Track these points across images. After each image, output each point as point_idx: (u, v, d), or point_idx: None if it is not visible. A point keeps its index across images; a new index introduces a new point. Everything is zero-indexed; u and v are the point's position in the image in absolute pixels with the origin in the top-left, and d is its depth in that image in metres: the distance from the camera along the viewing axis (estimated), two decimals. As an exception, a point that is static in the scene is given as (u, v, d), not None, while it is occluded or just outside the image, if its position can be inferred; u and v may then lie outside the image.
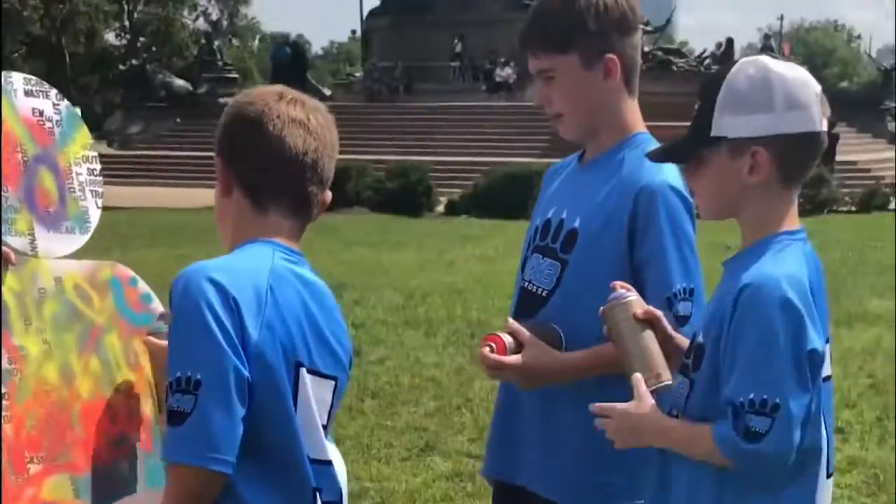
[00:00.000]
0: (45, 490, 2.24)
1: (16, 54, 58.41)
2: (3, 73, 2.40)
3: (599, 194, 2.41)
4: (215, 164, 2.03)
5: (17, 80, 2.43)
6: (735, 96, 1.96)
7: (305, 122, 1.97)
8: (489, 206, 19.92)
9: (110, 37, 61.86)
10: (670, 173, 2.36)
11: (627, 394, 2.06)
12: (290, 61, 34.75)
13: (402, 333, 8.75)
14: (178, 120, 33.55)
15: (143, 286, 2.57)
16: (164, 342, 2.17)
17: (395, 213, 20.04)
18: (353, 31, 49.57)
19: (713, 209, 2.08)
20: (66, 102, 2.52)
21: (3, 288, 2.25)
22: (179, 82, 37.35)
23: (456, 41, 35.61)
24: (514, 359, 2.36)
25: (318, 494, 1.97)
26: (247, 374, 1.80)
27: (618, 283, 2.16)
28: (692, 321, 2.29)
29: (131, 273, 2.56)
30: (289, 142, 1.94)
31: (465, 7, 35.54)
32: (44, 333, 2.31)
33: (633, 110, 2.48)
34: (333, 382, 2.01)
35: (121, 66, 42.49)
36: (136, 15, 61.39)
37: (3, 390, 2.20)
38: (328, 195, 2.04)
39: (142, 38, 61.38)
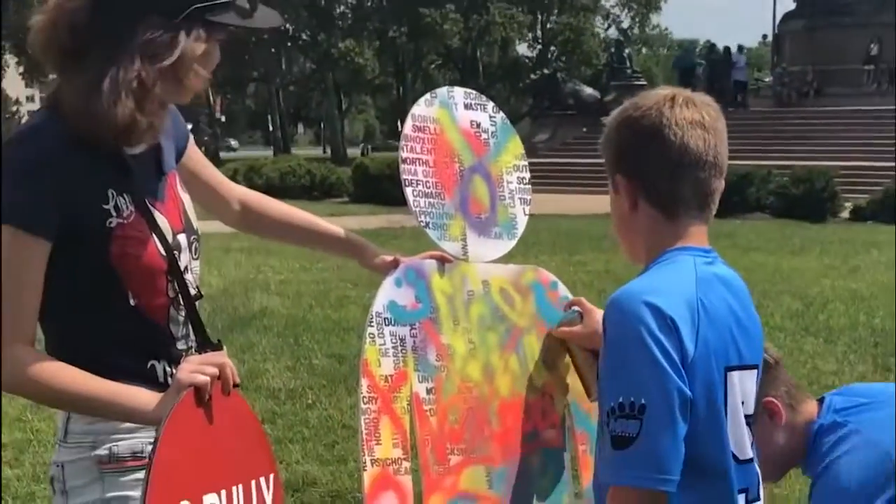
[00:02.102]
0: (463, 480, 2.36)
1: (432, 66, 61.72)
2: (447, 87, 2.56)
3: None
4: (614, 182, 2.00)
5: (458, 94, 2.56)
6: None
7: (702, 120, 1.91)
8: (898, 212, 18.64)
9: (522, 47, 63.80)
10: None
11: None
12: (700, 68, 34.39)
13: (801, 340, 8.43)
14: (585, 128, 34.03)
15: (562, 289, 2.65)
16: (578, 327, 2.41)
17: (798, 219, 19.26)
18: (764, 36, 48.27)
19: None
20: (501, 114, 2.62)
21: (436, 291, 2.41)
22: (588, 90, 37.79)
23: (872, 44, 33.69)
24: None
25: (744, 495, 1.95)
26: (689, 393, 1.78)
27: None
28: None
29: (553, 277, 2.65)
30: (692, 145, 1.89)
31: (885, 8, 33.55)
32: (470, 333, 2.44)
33: None
34: (756, 370, 1.98)
35: (531, 76, 43.64)
36: (548, 25, 62.88)
37: (431, 385, 2.34)
38: (722, 182, 1.99)
39: (553, 48, 62.75)
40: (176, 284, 2.01)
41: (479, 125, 2.57)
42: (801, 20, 37.29)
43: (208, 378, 1.90)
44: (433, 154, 2.46)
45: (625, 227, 2.02)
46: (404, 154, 2.41)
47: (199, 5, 1.90)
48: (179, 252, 2.03)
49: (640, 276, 1.93)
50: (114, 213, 1.92)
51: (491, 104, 2.62)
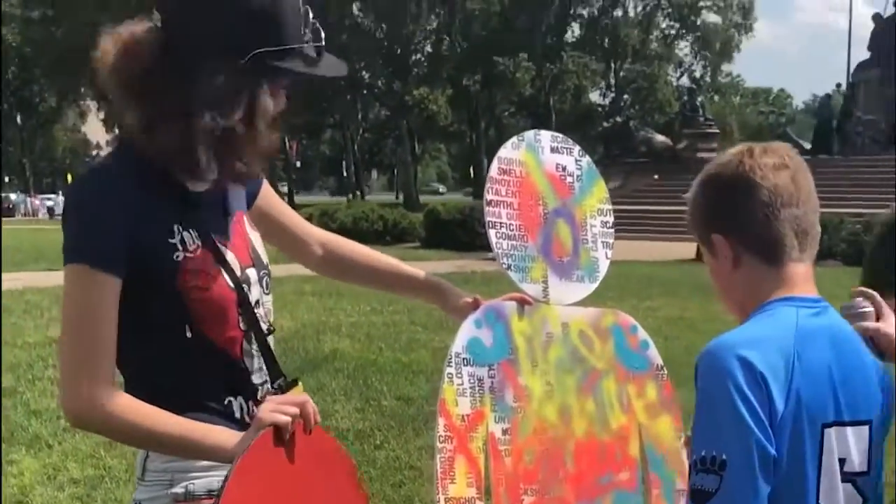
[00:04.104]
0: None
1: (505, 113, 61.97)
2: (534, 131, 2.57)
3: None
4: (710, 244, 1.95)
5: (545, 137, 2.58)
6: None
7: (783, 162, 1.89)
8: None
9: (595, 95, 63.82)
10: None
11: None
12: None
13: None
14: (657, 176, 33.92)
15: (642, 333, 2.65)
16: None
17: (872, 267, 18.98)
18: (838, 85, 47.89)
19: None
20: (587, 158, 2.63)
21: (515, 332, 2.42)
22: (660, 138, 37.84)
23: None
24: None
25: None
26: (773, 451, 1.75)
27: None
28: None
29: (632, 321, 2.65)
30: (781, 184, 1.87)
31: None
32: (547, 375, 2.45)
33: None
34: (867, 426, 1.91)
35: (604, 123, 43.68)
36: (621, 73, 62.92)
37: (507, 426, 2.35)
38: (818, 220, 1.96)
39: (625, 96, 62.75)
40: (247, 317, 2.02)
41: (564, 168, 2.58)
42: (876, 69, 37.06)
43: (289, 418, 1.89)
44: (518, 196, 2.47)
45: (729, 287, 1.97)
46: (489, 196, 2.43)
47: (264, 49, 1.89)
48: (249, 285, 2.03)
49: (740, 326, 1.88)
50: (180, 248, 1.94)
51: (577, 148, 2.63)
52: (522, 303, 2.45)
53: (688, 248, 18.16)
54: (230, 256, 2.01)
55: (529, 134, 2.56)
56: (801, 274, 1.91)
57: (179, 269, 1.93)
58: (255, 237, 2.14)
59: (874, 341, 2.10)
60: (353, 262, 2.49)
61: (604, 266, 2.61)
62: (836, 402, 1.84)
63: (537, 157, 2.54)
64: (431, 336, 10.54)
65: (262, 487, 1.86)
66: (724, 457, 1.72)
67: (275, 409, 1.91)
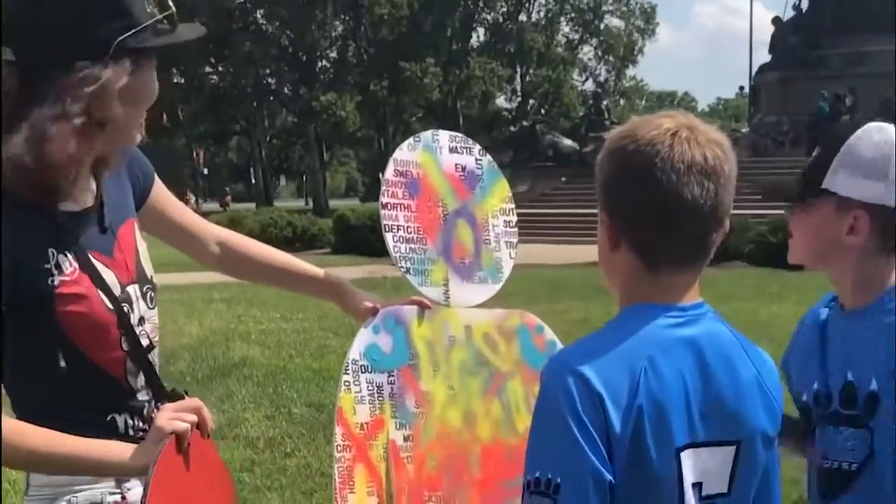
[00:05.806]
0: None
1: (413, 118, 62.13)
2: (431, 131, 2.54)
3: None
4: (599, 216, 1.77)
5: (444, 137, 2.54)
6: (854, 158, 2.09)
7: (703, 163, 1.66)
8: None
9: (501, 100, 64.38)
10: None
11: None
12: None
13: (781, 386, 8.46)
14: (564, 179, 34.31)
15: (549, 333, 2.61)
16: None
17: (776, 267, 19.36)
18: (741, 88, 49.07)
19: (803, 256, 2.22)
20: (488, 157, 2.58)
21: (416, 337, 2.39)
22: (566, 142, 38.28)
23: (845, 94, 34.13)
24: None
25: None
26: (609, 476, 1.61)
27: None
28: None
29: (538, 321, 2.61)
30: (686, 193, 1.66)
31: (860, 61, 34.10)
32: (450, 379, 2.42)
33: None
34: (734, 447, 1.75)
35: (511, 128, 44.09)
36: (527, 78, 63.55)
37: (409, 432, 2.32)
38: (727, 224, 1.78)
39: (532, 101, 63.38)
40: (129, 337, 1.99)
41: (464, 168, 2.54)
42: (777, 72, 37.99)
43: (188, 425, 1.90)
44: (415, 199, 2.44)
45: (605, 264, 1.80)
46: (385, 199, 2.39)
47: (122, 38, 1.84)
48: (130, 303, 2.00)
49: (588, 336, 1.73)
50: (55, 272, 1.90)
51: (477, 147, 2.58)
52: (423, 306, 2.41)
53: (592, 251, 18.36)
54: (108, 275, 1.98)
55: (427, 134, 2.51)
56: (679, 283, 1.76)
57: (56, 295, 1.89)
58: (143, 248, 2.11)
59: None
60: (251, 259, 2.46)
61: (508, 266, 2.56)
62: (690, 422, 1.69)
63: (435, 158, 2.50)
64: (342, 342, 10.46)
65: (171, 497, 1.87)
66: (558, 480, 1.60)
67: (173, 416, 1.91)
